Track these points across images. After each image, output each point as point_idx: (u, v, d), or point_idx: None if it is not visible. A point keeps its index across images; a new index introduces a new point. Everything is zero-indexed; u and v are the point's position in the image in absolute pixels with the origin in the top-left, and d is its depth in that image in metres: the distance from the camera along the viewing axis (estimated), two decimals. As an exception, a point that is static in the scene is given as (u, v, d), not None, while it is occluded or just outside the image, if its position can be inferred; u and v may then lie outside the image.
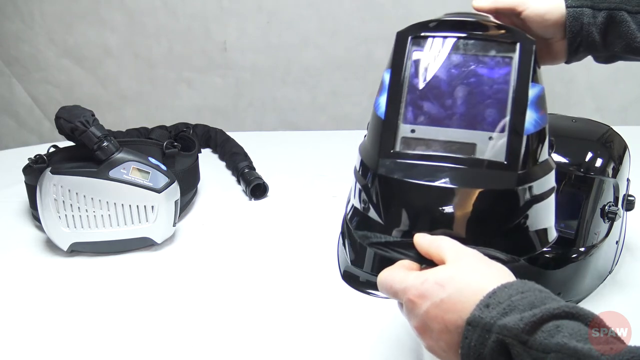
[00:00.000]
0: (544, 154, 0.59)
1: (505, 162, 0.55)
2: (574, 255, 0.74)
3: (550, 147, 0.62)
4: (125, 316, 0.77)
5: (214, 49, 1.87)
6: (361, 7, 1.76)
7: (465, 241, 0.53)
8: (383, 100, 0.62)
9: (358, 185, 0.63)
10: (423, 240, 0.53)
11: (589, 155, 0.77)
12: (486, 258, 0.50)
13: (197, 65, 1.90)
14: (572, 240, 0.75)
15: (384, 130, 0.60)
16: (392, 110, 0.60)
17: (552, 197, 0.61)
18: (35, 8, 1.88)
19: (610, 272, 0.83)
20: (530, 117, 0.56)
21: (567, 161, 0.76)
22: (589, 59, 0.69)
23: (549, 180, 0.60)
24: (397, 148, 0.59)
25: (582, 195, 0.75)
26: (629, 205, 0.81)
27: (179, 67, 1.91)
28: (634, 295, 0.79)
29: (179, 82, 1.93)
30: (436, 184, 0.55)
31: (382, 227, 0.58)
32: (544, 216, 0.60)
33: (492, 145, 0.56)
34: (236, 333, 0.73)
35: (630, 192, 0.82)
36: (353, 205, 0.65)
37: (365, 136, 0.66)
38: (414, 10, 1.63)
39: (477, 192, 0.55)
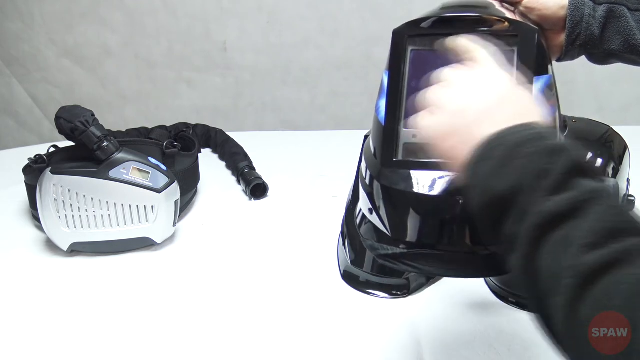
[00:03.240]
0: None
1: None
2: (574, 255, 0.74)
3: (563, 129, 0.60)
4: (125, 316, 0.77)
5: (214, 49, 1.87)
6: (361, 7, 1.76)
7: (473, 252, 0.52)
8: (383, 103, 0.60)
9: (364, 191, 0.62)
10: (460, 42, 0.51)
11: (589, 155, 0.77)
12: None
13: (197, 65, 1.90)
14: (572, 240, 0.75)
15: (385, 137, 0.59)
16: (391, 115, 0.59)
17: None
18: (35, 8, 1.89)
19: (610, 272, 0.83)
20: None
21: (567, 161, 0.76)
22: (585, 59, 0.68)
23: None
24: (399, 156, 0.58)
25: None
26: (629, 205, 0.81)
27: (179, 67, 1.91)
28: (634, 295, 0.79)
29: (179, 82, 1.93)
30: (440, 194, 0.54)
31: (389, 238, 0.58)
32: None
33: None
34: (236, 333, 0.73)
35: (630, 192, 0.82)
36: (361, 210, 0.64)
37: (369, 136, 0.65)
38: (414, 10, 1.62)
39: None
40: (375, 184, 0.59)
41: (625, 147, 0.82)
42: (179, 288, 0.83)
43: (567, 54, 0.65)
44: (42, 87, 2.00)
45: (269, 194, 1.12)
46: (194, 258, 0.91)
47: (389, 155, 0.58)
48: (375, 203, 0.59)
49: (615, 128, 0.83)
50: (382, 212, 0.58)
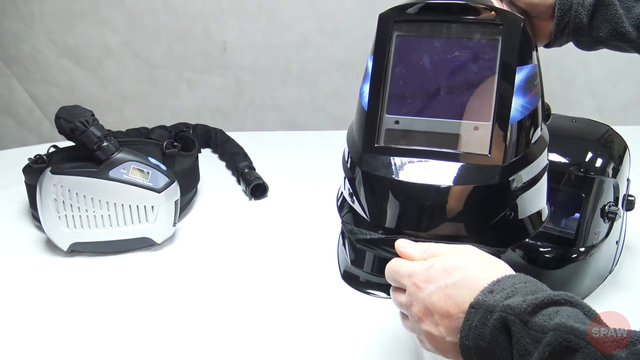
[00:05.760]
0: (535, 135, 0.57)
1: (489, 155, 0.54)
2: (574, 255, 0.75)
3: (545, 119, 0.60)
4: (125, 316, 0.77)
5: (214, 49, 1.87)
6: (361, 7, 1.76)
7: (451, 238, 0.53)
8: (367, 88, 0.60)
9: (345, 176, 0.62)
10: (413, 251, 0.53)
11: (589, 155, 0.77)
12: (483, 252, 0.51)
13: (197, 65, 1.90)
14: (572, 240, 0.75)
15: (367, 122, 0.59)
16: (374, 100, 0.59)
17: (544, 177, 0.59)
18: (35, 8, 1.88)
19: (610, 272, 0.83)
20: (516, 103, 0.55)
21: (567, 161, 0.76)
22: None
23: (540, 163, 0.58)
24: (381, 142, 0.58)
25: (582, 195, 0.75)
26: (629, 205, 0.81)
27: (179, 67, 1.91)
28: (634, 295, 0.79)
29: (179, 82, 1.93)
30: (419, 181, 0.55)
31: (367, 223, 0.58)
32: (536, 200, 0.59)
33: (476, 137, 0.55)
34: (236, 333, 0.74)
35: (630, 192, 0.82)
36: (342, 193, 0.64)
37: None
38: (414, 10, 1.63)
39: (460, 189, 0.54)
40: (356, 169, 0.59)
41: (625, 147, 0.82)
42: (179, 288, 0.83)
43: (555, 41, 0.65)
44: (42, 87, 1.99)
45: (269, 194, 1.12)
46: (194, 258, 0.91)
47: (371, 141, 0.58)
48: (355, 188, 0.59)
49: (615, 128, 0.83)
50: (362, 197, 0.58)
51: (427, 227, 0.55)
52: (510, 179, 0.55)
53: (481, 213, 0.55)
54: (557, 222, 0.78)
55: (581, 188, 0.75)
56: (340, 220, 0.63)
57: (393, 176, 0.56)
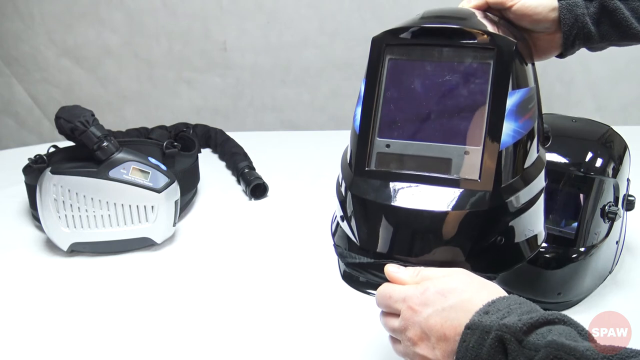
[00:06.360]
0: (530, 158, 0.57)
1: (479, 180, 0.54)
2: (574, 255, 0.75)
3: (544, 142, 0.59)
4: (125, 316, 0.77)
5: (214, 49, 1.87)
6: (361, 7, 1.76)
7: (441, 263, 0.52)
8: (359, 111, 0.59)
9: (337, 199, 0.62)
10: (404, 276, 0.52)
11: (589, 155, 0.77)
12: (476, 275, 0.50)
13: (197, 65, 1.90)
14: (572, 240, 0.75)
15: (358, 146, 0.58)
16: (366, 123, 0.58)
17: (540, 200, 0.59)
18: (35, 8, 1.88)
19: (610, 272, 0.83)
20: (508, 128, 0.54)
21: (567, 161, 0.76)
22: (586, 56, 0.67)
23: (535, 186, 0.57)
24: (372, 166, 0.58)
25: (582, 195, 0.75)
26: (629, 205, 0.81)
27: (179, 67, 1.91)
28: (634, 295, 0.79)
29: (179, 82, 1.93)
30: (408, 206, 0.54)
31: (357, 247, 0.58)
32: (531, 223, 0.59)
33: (467, 161, 0.54)
34: (236, 333, 0.74)
35: (630, 192, 0.82)
36: (336, 216, 0.64)
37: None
38: (413, 10, 1.61)
39: (449, 214, 0.53)
40: (347, 192, 0.59)
41: (625, 147, 0.82)
42: (179, 288, 0.83)
43: (566, 52, 0.65)
44: (42, 87, 1.99)
45: (269, 194, 1.12)
46: (194, 258, 0.91)
47: (362, 164, 0.58)
48: (346, 211, 0.59)
49: (615, 128, 0.83)
50: (352, 220, 0.58)
51: (416, 252, 0.54)
52: (501, 203, 0.54)
53: (471, 238, 0.54)
54: (557, 222, 0.78)
55: (581, 188, 0.75)
56: (333, 244, 0.63)
57: (383, 200, 0.55)
